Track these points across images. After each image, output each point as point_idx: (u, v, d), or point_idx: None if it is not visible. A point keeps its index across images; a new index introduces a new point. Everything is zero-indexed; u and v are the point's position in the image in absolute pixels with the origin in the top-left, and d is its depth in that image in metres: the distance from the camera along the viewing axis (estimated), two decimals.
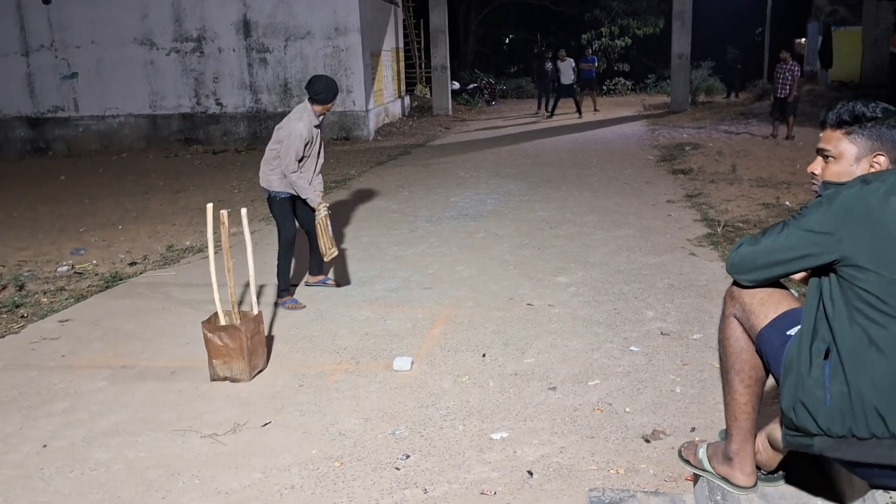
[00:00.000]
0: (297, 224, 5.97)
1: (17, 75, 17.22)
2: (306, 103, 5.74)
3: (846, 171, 2.29)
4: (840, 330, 2.15)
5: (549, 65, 21.39)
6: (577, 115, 20.56)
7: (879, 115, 2.26)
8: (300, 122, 5.65)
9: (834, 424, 2.16)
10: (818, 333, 2.22)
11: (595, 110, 21.85)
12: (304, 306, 5.77)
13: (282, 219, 5.84)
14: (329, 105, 5.75)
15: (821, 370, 2.18)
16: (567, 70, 20.48)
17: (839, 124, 2.32)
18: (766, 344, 2.41)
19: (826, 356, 2.18)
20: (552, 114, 20.79)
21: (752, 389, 2.56)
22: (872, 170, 2.25)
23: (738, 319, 2.52)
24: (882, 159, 2.26)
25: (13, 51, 17.10)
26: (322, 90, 5.65)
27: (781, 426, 2.40)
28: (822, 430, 2.19)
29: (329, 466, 3.50)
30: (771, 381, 2.64)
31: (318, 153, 5.96)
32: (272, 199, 5.84)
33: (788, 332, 2.35)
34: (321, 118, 5.81)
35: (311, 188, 5.79)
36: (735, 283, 2.54)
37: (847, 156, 2.30)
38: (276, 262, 5.86)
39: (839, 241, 2.11)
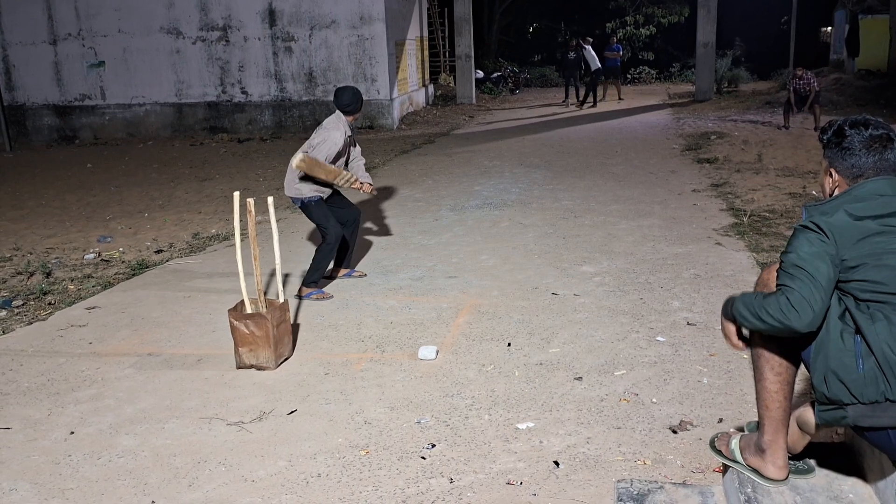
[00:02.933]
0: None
1: (45, 64, 17.36)
2: (339, 114, 5.79)
3: (823, 180, 2.61)
4: (862, 320, 2.32)
5: (572, 54, 21.21)
6: (591, 103, 20.35)
7: (833, 139, 2.53)
8: (336, 131, 5.70)
9: (867, 389, 2.29)
10: (846, 320, 2.37)
11: (619, 99, 21.67)
12: (332, 296, 5.78)
13: (325, 219, 5.77)
14: (358, 114, 5.85)
15: (853, 342, 2.33)
16: (591, 56, 20.43)
17: (819, 140, 2.62)
18: None
19: (857, 332, 2.34)
20: (582, 103, 20.40)
21: (783, 377, 2.56)
22: (829, 181, 2.56)
23: None
24: (834, 175, 2.54)
25: (41, 39, 17.23)
26: (350, 101, 5.73)
27: (814, 407, 2.48)
28: (856, 397, 2.31)
29: (355, 455, 3.50)
30: (801, 376, 2.60)
31: (351, 155, 6.02)
32: (307, 206, 5.76)
33: None
34: (352, 126, 5.90)
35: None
36: (768, 271, 2.58)
37: (823, 166, 2.60)
38: (315, 256, 5.78)
39: (833, 244, 2.35)
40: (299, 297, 5.76)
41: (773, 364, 2.56)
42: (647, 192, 9.13)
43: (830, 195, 2.53)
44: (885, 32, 21.41)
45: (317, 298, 5.73)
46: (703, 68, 20.61)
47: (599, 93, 22.74)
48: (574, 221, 7.80)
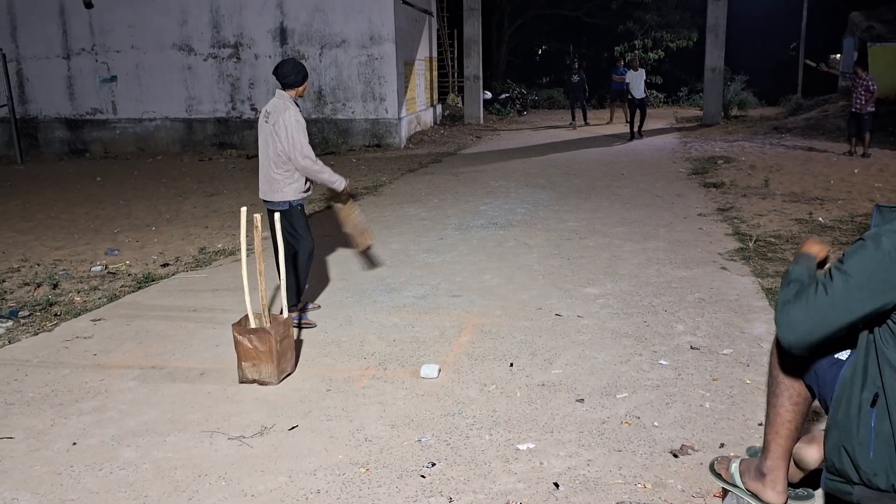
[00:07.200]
0: None
1: (58, 78, 17.53)
2: (281, 91, 5.32)
3: None
4: (890, 374, 2.13)
5: (575, 77, 21.22)
6: (629, 135, 18.23)
7: None
8: (290, 110, 5.23)
9: (876, 477, 2.16)
10: (868, 377, 2.18)
11: (626, 122, 21.75)
12: (315, 325, 5.56)
13: (306, 229, 5.46)
14: (300, 88, 5.35)
15: (868, 417, 2.16)
16: (638, 82, 17.91)
17: None
18: (815, 363, 2.40)
19: (873, 403, 2.16)
20: (632, 134, 18.06)
21: (799, 408, 2.53)
22: None
23: None
24: None
25: (55, 54, 17.42)
26: (290, 73, 5.27)
27: (824, 471, 2.35)
28: (864, 480, 2.18)
29: (355, 472, 3.50)
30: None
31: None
32: (293, 211, 5.36)
33: (837, 356, 2.35)
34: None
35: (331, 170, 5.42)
36: None
37: None
38: (297, 276, 5.45)
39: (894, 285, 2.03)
40: (299, 325, 5.44)
41: (793, 394, 2.53)
42: (652, 214, 9.15)
43: None
44: (893, 60, 21.49)
45: (307, 324, 5.49)
46: (711, 93, 20.71)
47: (606, 116, 22.78)
48: (579, 243, 7.82)
